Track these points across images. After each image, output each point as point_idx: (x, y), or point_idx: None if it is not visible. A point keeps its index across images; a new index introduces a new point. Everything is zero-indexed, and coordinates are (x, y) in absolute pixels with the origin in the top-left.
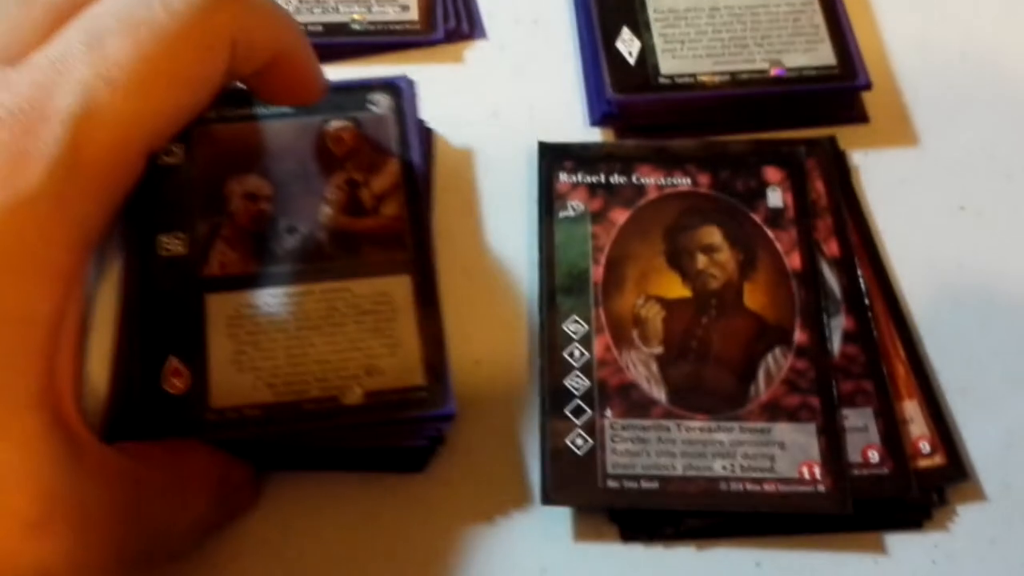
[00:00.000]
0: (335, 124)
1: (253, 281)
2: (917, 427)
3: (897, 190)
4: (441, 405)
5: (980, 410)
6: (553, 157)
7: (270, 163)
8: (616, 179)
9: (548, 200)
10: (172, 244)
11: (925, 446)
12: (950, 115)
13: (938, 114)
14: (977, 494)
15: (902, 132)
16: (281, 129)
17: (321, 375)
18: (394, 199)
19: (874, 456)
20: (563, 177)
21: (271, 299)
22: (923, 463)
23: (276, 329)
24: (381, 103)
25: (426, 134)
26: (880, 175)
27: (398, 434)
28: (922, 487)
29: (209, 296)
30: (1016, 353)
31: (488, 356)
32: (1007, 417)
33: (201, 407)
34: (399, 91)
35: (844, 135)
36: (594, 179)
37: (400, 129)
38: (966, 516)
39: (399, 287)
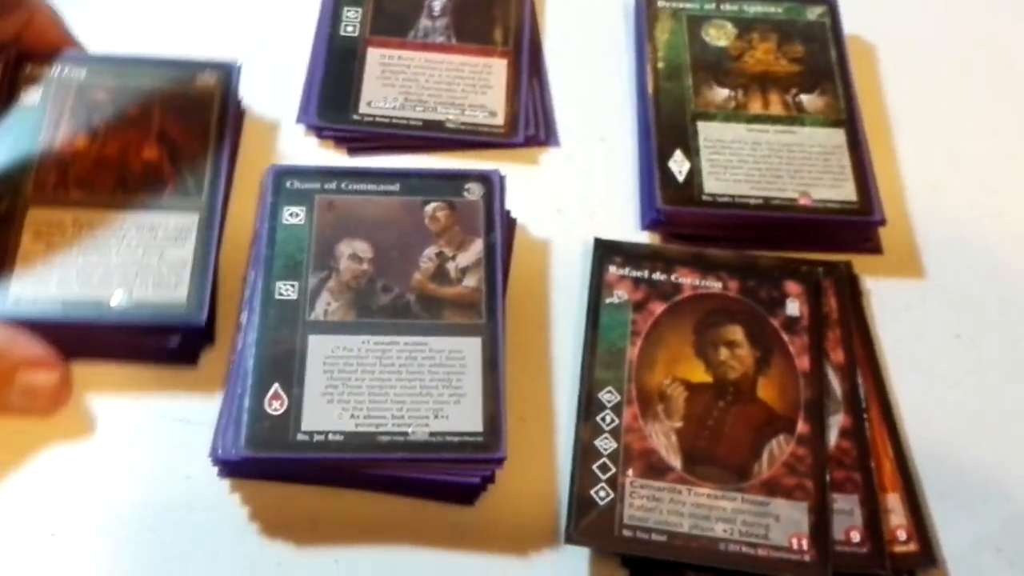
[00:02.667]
0: (434, 205)
1: (349, 328)
2: (897, 517)
3: (903, 315)
4: (494, 450)
5: (957, 513)
6: (605, 252)
7: (375, 232)
8: (658, 276)
9: (598, 287)
10: (286, 290)
11: (902, 534)
12: (955, 254)
13: (944, 252)
14: None
15: (911, 265)
16: (388, 204)
17: (396, 413)
18: (476, 273)
19: (855, 536)
20: (613, 269)
21: (362, 345)
22: (899, 548)
23: (364, 370)
24: (474, 191)
25: (509, 222)
26: (889, 300)
27: (455, 471)
28: (896, 569)
29: (312, 337)
30: (996, 467)
31: (531, 414)
32: (980, 521)
33: (295, 428)
34: (491, 182)
35: (860, 263)
36: (639, 274)
37: (488, 215)
38: None
39: (470, 348)
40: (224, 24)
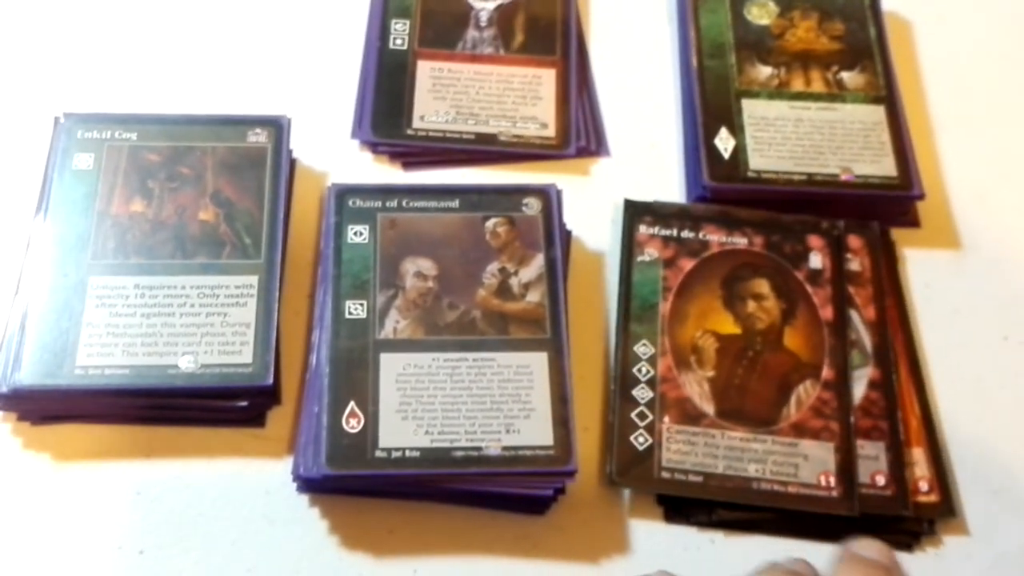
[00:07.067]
0: (494, 220)
1: (418, 345)
2: (920, 469)
3: (939, 285)
4: (566, 463)
5: (978, 470)
6: (636, 211)
7: (438, 249)
8: (686, 234)
9: (629, 246)
10: (355, 309)
11: (924, 485)
12: (991, 225)
13: (981, 223)
14: (962, 530)
15: (948, 237)
16: (449, 221)
17: (469, 428)
18: (538, 288)
19: (880, 480)
20: (643, 229)
21: (432, 362)
22: (921, 498)
23: (435, 387)
24: (533, 206)
25: (565, 234)
26: (926, 271)
27: (528, 484)
28: (918, 518)
29: (383, 355)
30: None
31: (593, 423)
32: (1000, 478)
33: (372, 445)
34: (548, 197)
35: (899, 235)
36: (668, 232)
37: (547, 229)
38: (950, 545)
39: (537, 363)
40: (273, 39)
